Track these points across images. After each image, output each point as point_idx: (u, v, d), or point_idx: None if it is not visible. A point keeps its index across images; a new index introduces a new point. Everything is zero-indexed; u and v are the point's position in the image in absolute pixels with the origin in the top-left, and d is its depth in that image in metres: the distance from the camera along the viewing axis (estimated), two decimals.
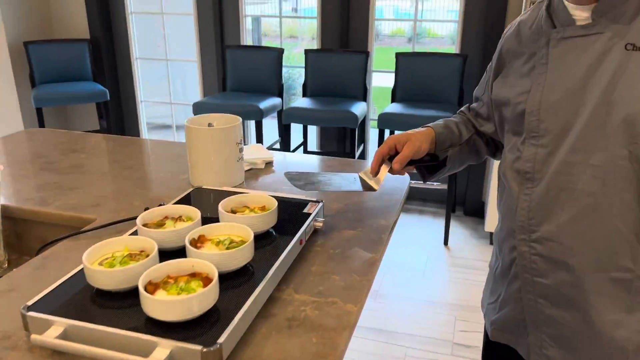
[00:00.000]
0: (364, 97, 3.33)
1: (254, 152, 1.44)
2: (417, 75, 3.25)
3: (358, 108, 3.12)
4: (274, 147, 3.47)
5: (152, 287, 0.73)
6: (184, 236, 0.85)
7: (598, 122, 0.82)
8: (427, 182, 1.19)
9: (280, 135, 3.48)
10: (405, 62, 3.26)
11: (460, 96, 3.22)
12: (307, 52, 3.39)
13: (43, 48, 3.66)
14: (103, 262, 0.80)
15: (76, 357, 0.70)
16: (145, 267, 0.76)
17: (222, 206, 0.96)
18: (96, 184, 1.30)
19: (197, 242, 0.86)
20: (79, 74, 3.77)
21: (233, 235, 0.88)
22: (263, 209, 0.99)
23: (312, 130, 3.73)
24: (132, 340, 0.68)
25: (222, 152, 1.24)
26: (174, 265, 0.77)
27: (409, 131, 1.09)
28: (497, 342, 1.05)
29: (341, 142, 3.67)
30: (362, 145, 3.60)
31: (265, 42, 5.44)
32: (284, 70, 3.47)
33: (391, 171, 1.06)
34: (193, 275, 0.77)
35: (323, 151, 3.70)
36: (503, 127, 1.00)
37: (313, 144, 3.75)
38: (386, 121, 2.99)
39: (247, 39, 3.78)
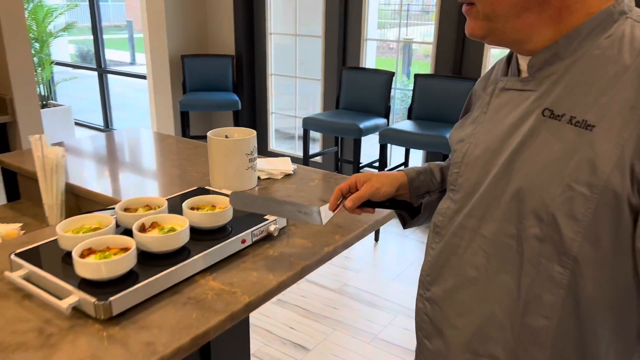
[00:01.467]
0: None
1: (276, 165, 1.63)
2: None
3: None
4: (373, 165, 3.59)
5: (87, 252, 0.97)
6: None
7: (496, 190, 0.75)
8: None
9: None
10: None
11: None
12: (416, 76, 3.47)
13: (195, 61, 4.29)
14: (74, 230, 1.06)
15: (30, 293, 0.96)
16: (95, 237, 1.00)
17: (186, 203, 1.16)
18: (142, 176, 1.61)
19: (149, 227, 1.08)
20: (222, 85, 4.33)
21: (177, 225, 1.08)
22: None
23: (418, 153, 3.77)
24: (57, 286, 0.92)
25: (233, 160, 1.45)
26: (111, 239, 1.00)
27: (380, 172, 1.03)
28: None
29: None
30: None
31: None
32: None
33: (345, 209, 1.01)
34: (125, 249, 0.98)
35: None
36: None
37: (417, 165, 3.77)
38: None
39: (398, 60, 3.97)
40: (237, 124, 4.30)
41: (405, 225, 1.08)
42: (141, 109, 7.74)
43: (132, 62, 11.27)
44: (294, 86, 4.44)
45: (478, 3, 0.74)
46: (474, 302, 0.79)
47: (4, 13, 2.56)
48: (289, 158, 1.69)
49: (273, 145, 4.69)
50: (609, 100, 0.66)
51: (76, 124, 6.01)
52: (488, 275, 0.77)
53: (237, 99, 4.10)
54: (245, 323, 1.44)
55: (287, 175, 1.62)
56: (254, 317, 2.66)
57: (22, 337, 0.85)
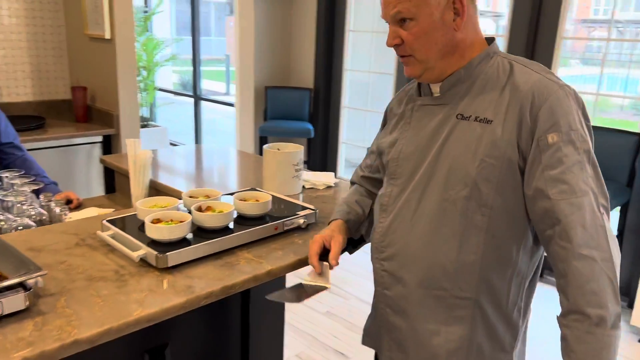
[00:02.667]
0: None
1: (320, 177, 1.90)
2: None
3: None
4: None
5: (156, 221, 1.28)
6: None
7: (430, 171, 1.09)
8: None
9: None
10: None
11: (631, 176, 3.03)
12: None
13: (277, 92, 4.73)
14: (149, 206, 1.39)
15: (113, 248, 1.29)
16: (163, 211, 1.32)
17: (236, 195, 1.46)
18: (212, 177, 1.95)
19: (205, 209, 1.38)
20: (299, 114, 4.72)
21: (226, 210, 1.37)
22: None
23: None
24: (132, 243, 1.25)
25: (281, 169, 1.75)
26: (175, 214, 1.31)
27: (327, 230, 1.28)
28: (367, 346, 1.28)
29: None
30: None
31: None
32: None
33: (330, 267, 1.22)
34: (183, 222, 1.29)
35: None
36: (384, 171, 1.24)
37: None
38: None
39: None
40: (309, 150, 4.65)
41: (351, 252, 1.39)
42: (228, 134, 8.39)
43: (227, 93, 12.19)
44: (365, 119, 4.73)
45: (416, 54, 1.07)
46: (422, 251, 1.08)
47: (119, 46, 3.08)
48: (333, 173, 1.96)
49: (342, 172, 4.98)
50: (498, 104, 1.04)
51: (170, 144, 6.67)
52: (431, 230, 1.07)
53: (311, 127, 4.45)
54: (282, 282, 1.68)
55: (329, 187, 1.88)
56: (302, 323, 2.91)
57: (104, 274, 1.17)
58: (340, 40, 4.69)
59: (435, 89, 1.12)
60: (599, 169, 1.02)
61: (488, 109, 1.04)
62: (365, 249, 1.35)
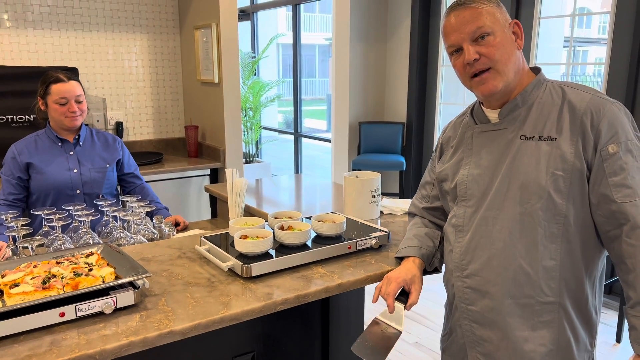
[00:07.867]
0: None
1: (398, 204, 2.00)
2: None
3: None
4: None
5: (244, 237, 1.47)
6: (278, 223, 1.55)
7: (503, 189, 1.18)
8: None
9: None
10: None
11: None
12: None
13: (370, 127, 4.89)
14: (240, 225, 1.58)
15: (208, 261, 1.49)
16: (251, 229, 1.50)
17: (314, 217, 1.61)
18: (299, 203, 2.13)
19: (287, 228, 1.54)
20: (391, 148, 4.84)
21: (304, 229, 1.53)
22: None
23: None
24: (223, 255, 1.43)
25: (360, 195, 1.87)
26: (260, 231, 1.49)
27: (405, 269, 1.31)
28: None
29: None
30: None
31: None
32: None
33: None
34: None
35: None
36: (445, 197, 1.34)
37: None
38: None
39: None
40: (401, 182, 4.72)
41: None
42: (325, 168, 8.69)
43: (327, 130, 12.63)
44: None
45: (497, 64, 1.15)
46: (506, 263, 1.17)
47: (226, 89, 3.44)
48: (411, 201, 2.05)
49: None
50: (559, 123, 1.15)
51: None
52: (512, 242, 1.16)
53: (403, 160, 4.54)
54: (361, 297, 1.80)
55: (406, 213, 1.97)
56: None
57: (198, 281, 1.37)
58: (433, 75, 4.78)
59: (492, 115, 1.23)
60: None
61: (550, 128, 1.15)
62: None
